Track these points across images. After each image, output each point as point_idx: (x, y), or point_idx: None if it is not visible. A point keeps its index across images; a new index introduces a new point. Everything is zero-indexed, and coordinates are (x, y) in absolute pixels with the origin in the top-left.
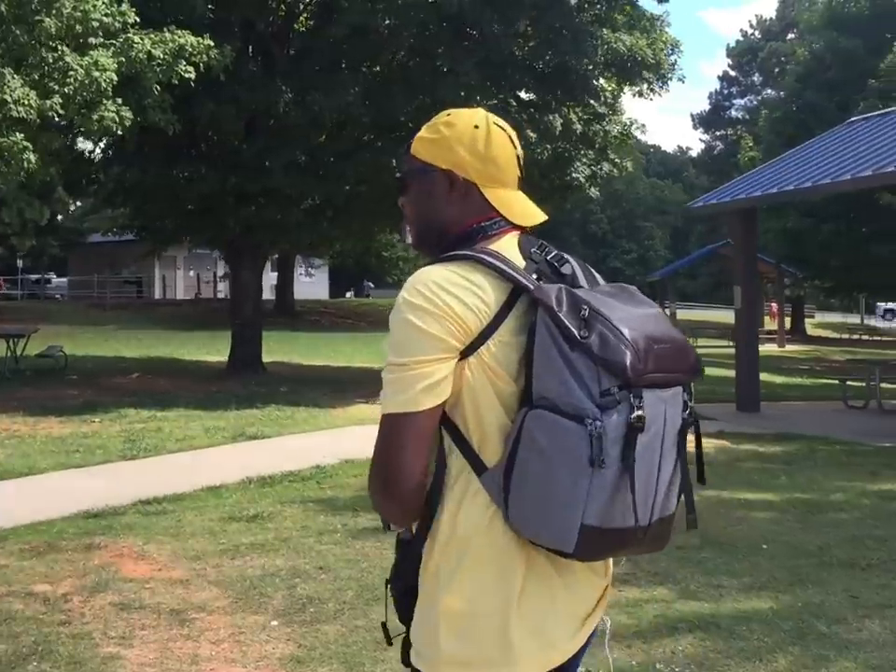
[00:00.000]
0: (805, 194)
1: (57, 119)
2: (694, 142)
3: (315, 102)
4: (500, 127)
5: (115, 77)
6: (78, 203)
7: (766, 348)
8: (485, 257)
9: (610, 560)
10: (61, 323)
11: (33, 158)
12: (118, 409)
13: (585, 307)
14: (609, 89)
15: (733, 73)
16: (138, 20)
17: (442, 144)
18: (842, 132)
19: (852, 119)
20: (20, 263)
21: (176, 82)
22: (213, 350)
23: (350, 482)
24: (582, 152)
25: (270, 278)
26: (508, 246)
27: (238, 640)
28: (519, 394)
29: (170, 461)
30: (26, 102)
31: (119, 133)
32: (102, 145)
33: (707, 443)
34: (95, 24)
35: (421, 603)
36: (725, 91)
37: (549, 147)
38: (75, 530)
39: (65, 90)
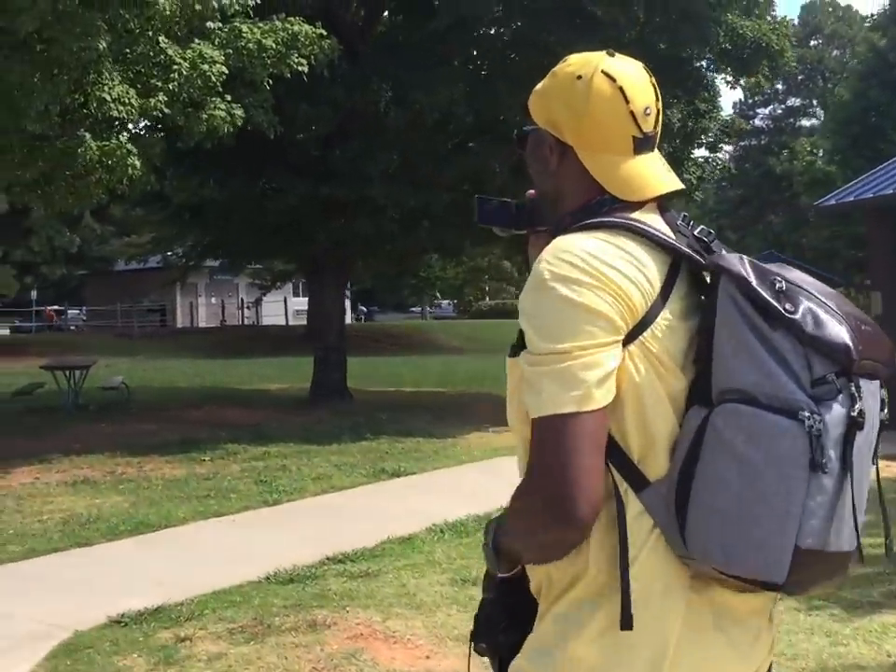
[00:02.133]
0: None
1: (162, 118)
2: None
3: (416, 101)
4: (610, 77)
5: (226, 71)
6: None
7: None
8: (637, 223)
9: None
10: (90, 353)
11: (138, 164)
12: (218, 444)
13: (779, 278)
14: (723, 81)
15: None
16: (258, 1)
17: (543, 97)
18: None
19: None
20: (34, 295)
21: (289, 76)
22: (265, 378)
23: None
24: (690, 151)
25: (294, 303)
26: (650, 217)
27: None
28: (687, 391)
29: (321, 506)
30: (126, 100)
31: (229, 132)
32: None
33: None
34: (215, 5)
35: (535, 645)
36: (750, 101)
37: (666, 145)
38: (280, 601)
39: (169, 86)
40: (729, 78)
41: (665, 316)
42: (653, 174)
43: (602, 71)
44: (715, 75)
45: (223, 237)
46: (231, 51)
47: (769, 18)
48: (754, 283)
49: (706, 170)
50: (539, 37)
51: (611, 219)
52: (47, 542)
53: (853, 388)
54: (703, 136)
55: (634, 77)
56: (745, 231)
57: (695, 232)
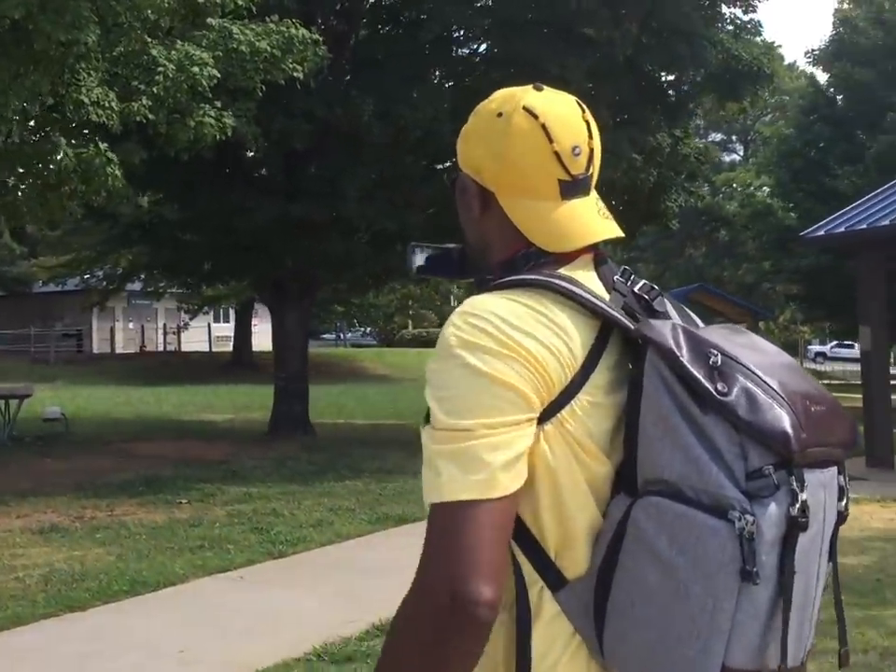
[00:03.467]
0: None
1: (144, 124)
2: None
3: (401, 116)
4: (532, 113)
5: (217, 75)
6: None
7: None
8: (560, 283)
9: None
10: (4, 380)
11: (119, 173)
12: (190, 485)
13: (714, 351)
14: (708, 105)
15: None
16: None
17: (464, 138)
18: None
19: None
20: None
21: (283, 82)
22: (204, 407)
23: None
24: (674, 177)
25: (216, 329)
26: (582, 273)
27: None
28: (612, 476)
29: (332, 559)
30: (106, 104)
31: (215, 141)
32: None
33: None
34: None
35: None
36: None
37: (654, 172)
38: None
39: (153, 89)
40: (708, 105)
41: (588, 391)
42: (583, 221)
43: (523, 107)
44: (700, 99)
45: (179, 258)
46: (219, 54)
47: (759, 41)
48: (684, 358)
49: (685, 199)
50: (526, 55)
51: (531, 277)
52: (31, 607)
53: (794, 482)
54: (684, 163)
55: (560, 113)
56: (666, 265)
57: (635, 289)
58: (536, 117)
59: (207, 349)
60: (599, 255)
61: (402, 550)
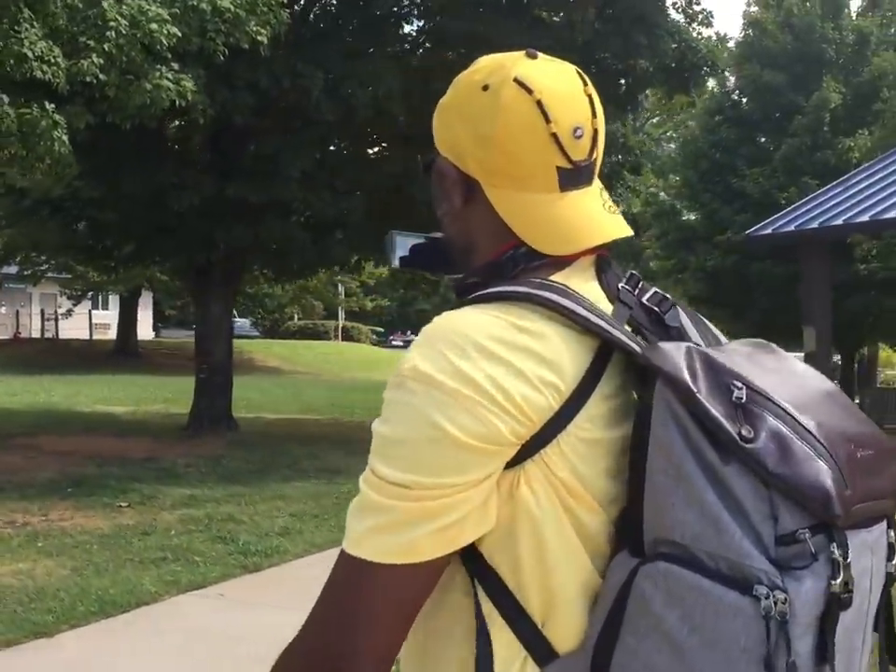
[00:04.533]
0: None
1: (92, 86)
2: None
3: (352, 93)
4: (525, 87)
5: (178, 33)
6: None
7: None
8: (550, 295)
9: None
10: None
11: (65, 138)
12: (124, 485)
13: (738, 383)
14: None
15: None
16: None
17: (442, 115)
18: None
19: None
20: None
21: (246, 47)
22: (99, 399)
23: None
24: (621, 170)
25: (97, 317)
26: (579, 280)
27: None
28: (612, 528)
29: (318, 572)
30: (52, 59)
31: (174, 106)
32: None
33: None
34: None
35: None
36: None
37: (607, 162)
38: None
39: (104, 46)
40: (654, 96)
41: (579, 425)
42: (586, 217)
43: (514, 79)
44: (650, 91)
45: (96, 239)
46: (177, 11)
47: (713, 34)
48: (702, 393)
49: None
50: (481, 33)
51: (516, 290)
52: None
53: (835, 550)
54: (629, 156)
55: (559, 86)
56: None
57: (644, 299)
58: (529, 91)
59: (87, 337)
60: (601, 257)
61: None
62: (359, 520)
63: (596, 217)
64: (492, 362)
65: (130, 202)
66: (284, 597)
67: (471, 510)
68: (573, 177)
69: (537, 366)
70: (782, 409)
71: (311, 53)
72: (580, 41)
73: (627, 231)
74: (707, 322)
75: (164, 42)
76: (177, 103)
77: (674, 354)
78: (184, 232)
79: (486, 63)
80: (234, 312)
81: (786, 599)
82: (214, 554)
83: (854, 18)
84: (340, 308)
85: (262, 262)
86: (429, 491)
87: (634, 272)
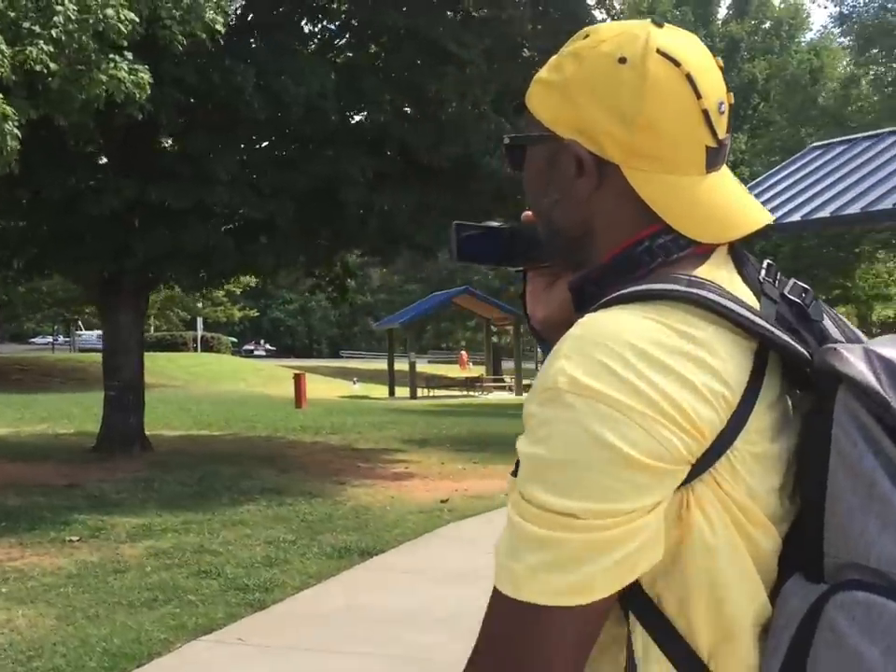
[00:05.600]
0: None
1: (46, 75)
2: None
3: (285, 90)
4: (671, 59)
5: (136, 18)
6: None
7: (500, 397)
8: (709, 295)
9: None
10: None
11: (17, 132)
12: (57, 516)
13: None
14: None
15: None
16: None
17: (563, 92)
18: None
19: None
20: None
21: (205, 36)
22: None
23: None
24: None
25: None
26: (725, 273)
27: None
28: (779, 550)
29: (337, 607)
30: None
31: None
32: None
33: None
34: None
35: None
36: None
37: None
38: None
39: (52, 33)
40: None
41: (746, 438)
42: (735, 200)
43: (658, 50)
44: None
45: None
46: None
47: None
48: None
49: None
50: (423, 30)
51: (672, 288)
52: None
53: None
54: None
55: (700, 58)
56: (417, 268)
57: (785, 291)
58: (677, 63)
59: None
60: (735, 247)
61: (413, 594)
62: (518, 558)
63: (744, 200)
64: (659, 372)
65: (34, 206)
66: (308, 638)
67: (645, 543)
68: (716, 157)
69: (704, 375)
70: None
71: (239, 49)
72: (518, 38)
73: (770, 217)
74: (841, 318)
75: (122, 29)
76: (144, 94)
77: (855, 357)
78: (94, 240)
79: (609, 31)
80: (80, 324)
81: None
82: (207, 591)
83: (724, 25)
84: (199, 318)
85: (180, 270)
86: (602, 520)
87: (771, 261)
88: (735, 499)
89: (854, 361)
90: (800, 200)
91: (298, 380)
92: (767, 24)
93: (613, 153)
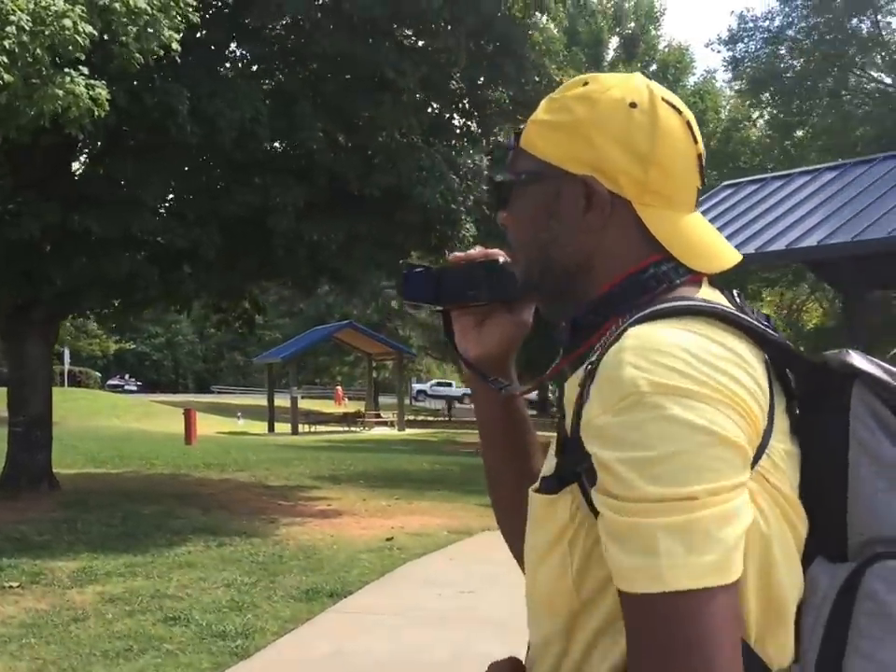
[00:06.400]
0: None
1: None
2: None
3: (219, 113)
4: (674, 107)
5: (94, 32)
6: None
7: (382, 432)
8: (729, 309)
9: None
10: None
11: None
12: None
13: None
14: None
15: None
16: None
17: (574, 131)
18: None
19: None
20: None
21: (162, 52)
22: None
23: None
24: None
25: None
26: (716, 296)
27: None
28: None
29: (313, 655)
30: None
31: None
32: None
33: None
34: None
35: None
36: None
37: (471, 196)
38: None
39: (5, 43)
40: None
41: (778, 437)
42: (718, 236)
43: (664, 99)
44: (503, 126)
45: None
46: (82, 10)
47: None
48: None
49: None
50: (361, 56)
51: (698, 304)
52: None
53: None
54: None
55: (687, 109)
56: (295, 300)
57: (755, 315)
58: (679, 112)
59: None
60: (711, 278)
61: (398, 638)
62: (655, 554)
63: (721, 238)
64: (718, 371)
65: None
66: None
67: (748, 519)
68: (698, 198)
69: (748, 378)
70: None
71: (171, 71)
72: (458, 67)
73: (740, 255)
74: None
75: (80, 42)
76: (103, 111)
77: (859, 356)
78: (7, 265)
79: (613, 79)
80: None
81: None
82: (183, 639)
83: (612, 67)
84: (65, 350)
85: (98, 299)
86: (715, 496)
87: (739, 291)
88: (782, 491)
89: (863, 360)
90: None
91: (188, 415)
92: (654, 67)
93: (628, 190)
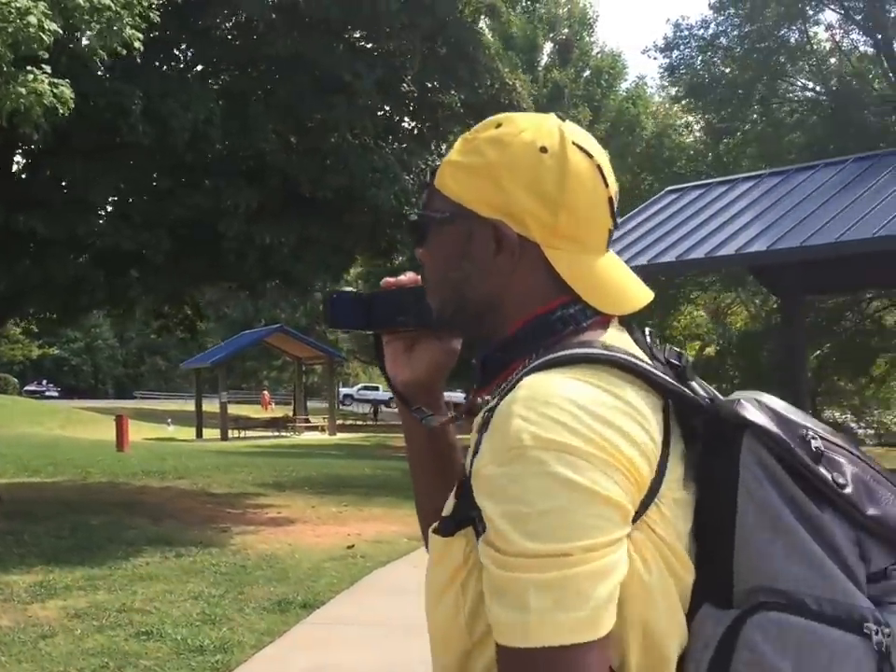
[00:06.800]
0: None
1: None
2: None
3: (173, 114)
4: (584, 151)
5: (59, 30)
6: None
7: (313, 437)
8: (627, 357)
9: None
10: None
11: None
12: None
13: (810, 433)
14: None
15: None
16: None
17: (484, 175)
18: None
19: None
20: None
21: (124, 51)
22: None
23: None
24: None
25: None
26: (626, 339)
27: None
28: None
29: (296, 668)
30: None
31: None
32: None
33: None
34: None
35: None
36: None
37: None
38: None
39: None
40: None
41: (670, 486)
42: (628, 278)
43: (574, 143)
44: (453, 129)
45: None
46: (44, 7)
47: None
48: (794, 444)
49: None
50: (316, 58)
51: (595, 352)
52: None
53: None
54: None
55: (601, 152)
56: (223, 304)
57: (665, 354)
58: (590, 155)
59: None
60: (622, 317)
61: (381, 649)
62: (523, 609)
63: (632, 277)
64: (605, 426)
65: None
66: None
67: (621, 575)
68: (611, 239)
69: (638, 430)
70: (852, 453)
71: (122, 70)
72: (411, 73)
73: (652, 294)
74: (699, 379)
75: (44, 39)
76: (68, 110)
77: (752, 404)
78: None
79: (525, 122)
80: None
81: (889, 632)
82: (160, 655)
83: (547, 72)
84: None
85: (39, 303)
86: (589, 553)
87: (650, 328)
88: (667, 542)
89: (756, 411)
90: (647, 242)
91: (120, 422)
92: (588, 73)
93: (536, 234)
